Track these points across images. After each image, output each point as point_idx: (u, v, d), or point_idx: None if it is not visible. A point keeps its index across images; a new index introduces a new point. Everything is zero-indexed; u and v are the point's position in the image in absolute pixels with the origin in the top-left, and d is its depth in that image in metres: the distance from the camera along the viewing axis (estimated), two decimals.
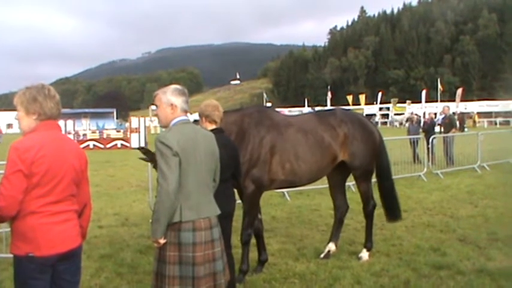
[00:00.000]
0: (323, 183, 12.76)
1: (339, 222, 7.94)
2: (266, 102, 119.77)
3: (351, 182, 11.25)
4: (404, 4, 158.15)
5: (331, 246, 7.67)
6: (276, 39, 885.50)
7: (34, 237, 3.43)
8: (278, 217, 10.63)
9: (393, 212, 7.80)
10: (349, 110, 8.34)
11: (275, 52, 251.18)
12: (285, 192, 12.66)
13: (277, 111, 7.65)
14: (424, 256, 7.44)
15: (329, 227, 8.94)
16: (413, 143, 19.79)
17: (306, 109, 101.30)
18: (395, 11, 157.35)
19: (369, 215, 7.69)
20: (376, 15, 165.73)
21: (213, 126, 5.40)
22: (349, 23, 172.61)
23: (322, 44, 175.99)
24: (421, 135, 20.07)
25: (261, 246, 7.08)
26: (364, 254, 7.44)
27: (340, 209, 7.94)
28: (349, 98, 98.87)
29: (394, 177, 15.00)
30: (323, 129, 7.17)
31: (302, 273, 6.82)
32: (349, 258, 7.51)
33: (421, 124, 23.64)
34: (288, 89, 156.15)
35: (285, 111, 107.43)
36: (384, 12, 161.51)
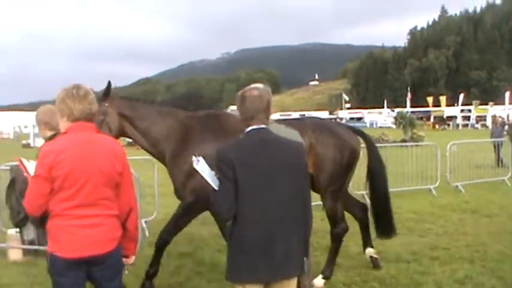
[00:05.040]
0: (403, 186, 13.37)
1: (365, 228, 7.16)
2: (345, 103, 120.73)
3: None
4: (487, 2, 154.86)
5: (371, 251, 7.07)
6: (355, 40, 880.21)
7: (58, 239, 3.44)
8: None
9: (385, 228, 7.01)
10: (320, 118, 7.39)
11: (354, 53, 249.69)
12: (364, 194, 12.42)
13: (236, 116, 6.59)
14: (509, 264, 7.09)
15: (410, 231, 9.03)
16: (497, 146, 19.37)
17: (385, 110, 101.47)
18: (478, 9, 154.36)
19: (335, 240, 6.69)
20: (458, 14, 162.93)
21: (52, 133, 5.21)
22: (430, 23, 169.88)
23: (402, 45, 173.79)
24: (506, 138, 19.73)
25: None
26: (319, 281, 6.48)
27: (359, 215, 7.21)
28: (429, 100, 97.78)
29: (476, 181, 15.26)
30: None
31: (382, 277, 6.67)
32: (431, 263, 7.25)
33: (505, 127, 23.20)
34: (367, 90, 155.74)
35: (364, 112, 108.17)
36: (466, 11, 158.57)
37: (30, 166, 3.77)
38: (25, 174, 3.87)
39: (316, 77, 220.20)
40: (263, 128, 3.58)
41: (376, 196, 6.94)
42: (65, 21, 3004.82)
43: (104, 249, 3.48)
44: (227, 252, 3.58)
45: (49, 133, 5.18)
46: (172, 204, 7.88)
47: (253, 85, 3.88)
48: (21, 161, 3.93)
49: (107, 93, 6.19)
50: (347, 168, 6.53)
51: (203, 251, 8.09)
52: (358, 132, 7.08)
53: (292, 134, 4.50)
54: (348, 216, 7.67)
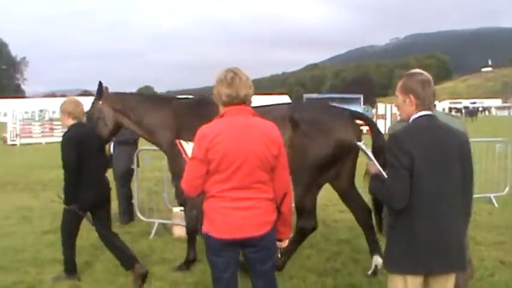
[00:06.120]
0: None
1: (369, 230, 6.35)
2: None
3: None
4: None
5: (377, 260, 6.18)
6: None
7: (213, 219, 3.52)
8: None
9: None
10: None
11: None
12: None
13: None
14: None
15: None
16: None
17: None
18: None
19: (299, 232, 6.17)
20: None
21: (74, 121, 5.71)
22: None
23: None
24: None
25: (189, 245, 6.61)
26: None
27: (361, 220, 6.45)
28: None
29: None
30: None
31: None
32: None
33: None
34: None
35: None
36: None
37: (188, 148, 4.08)
38: (183, 155, 4.22)
39: (490, 62, 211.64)
40: (432, 115, 3.44)
41: None
42: (241, 7, 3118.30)
43: (257, 232, 3.49)
44: (388, 242, 3.49)
45: (72, 122, 5.61)
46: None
47: (414, 70, 3.67)
48: (180, 143, 4.37)
49: (100, 92, 6.51)
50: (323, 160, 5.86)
51: (362, 238, 7.36)
52: (360, 117, 6.38)
53: (456, 123, 4.14)
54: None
